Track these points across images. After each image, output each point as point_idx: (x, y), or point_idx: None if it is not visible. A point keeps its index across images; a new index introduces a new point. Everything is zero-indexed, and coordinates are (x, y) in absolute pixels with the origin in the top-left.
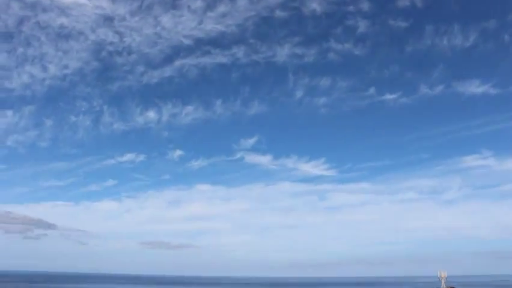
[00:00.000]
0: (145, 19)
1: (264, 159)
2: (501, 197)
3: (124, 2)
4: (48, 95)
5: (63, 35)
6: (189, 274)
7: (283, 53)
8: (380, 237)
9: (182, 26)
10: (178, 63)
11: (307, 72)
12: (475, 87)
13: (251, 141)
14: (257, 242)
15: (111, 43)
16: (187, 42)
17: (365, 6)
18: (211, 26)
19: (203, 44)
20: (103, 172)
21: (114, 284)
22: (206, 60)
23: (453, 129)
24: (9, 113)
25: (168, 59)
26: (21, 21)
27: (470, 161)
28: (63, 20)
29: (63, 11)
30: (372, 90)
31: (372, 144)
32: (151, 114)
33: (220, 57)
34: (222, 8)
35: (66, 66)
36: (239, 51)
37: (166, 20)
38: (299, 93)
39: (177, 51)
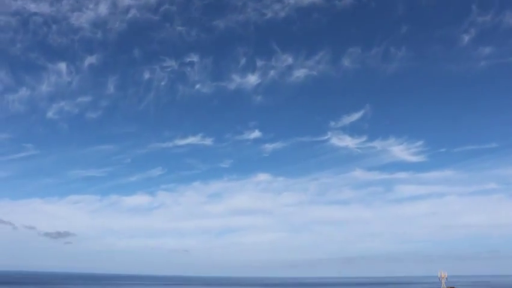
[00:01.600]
0: None
1: (352, 142)
2: None
3: None
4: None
5: None
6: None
7: None
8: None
9: None
10: None
11: None
12: None
13: (349, 119)
14: (292, 240)
15: None
16: None
17: None
18: None
19: None
20: (148, 159)
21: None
22: None
23: None
24: (63, 66)
25: None
26: None
27: None
28: None
29: None
30: None
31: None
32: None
33: None
34: None
35: None
36: None
37: None
38: None
39: None
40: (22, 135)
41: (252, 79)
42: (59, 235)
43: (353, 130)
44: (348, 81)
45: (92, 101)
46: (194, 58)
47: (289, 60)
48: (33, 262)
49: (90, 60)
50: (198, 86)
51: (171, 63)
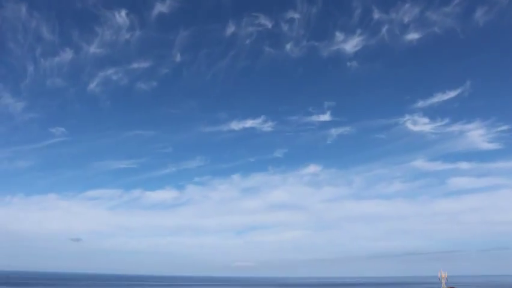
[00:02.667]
0: None
1: (429, 125)
2: None
3: None
4: None
5: None
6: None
7: None
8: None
9: None
10: None
11: None
12: None
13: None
14: (316, 238)
15: None
16: None
17: None
18: None
19: None
20: (188, 147)
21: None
22: None
23: None
24: (122, 16)
25: None
26: None
27: None
28: None
29: None
30: None
31: None
32: None
33: None
34: None
35: None
36: None
37: None
38: None
39: None
40: (53, 117)
41: (355, 41)
42: (68, 234)
43: (436, 111)
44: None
45: (149, 68)
46: (292, 14)
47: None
48: (39, 263)
49: (159, 8)
50: (288, 47)
51: (263, 18)
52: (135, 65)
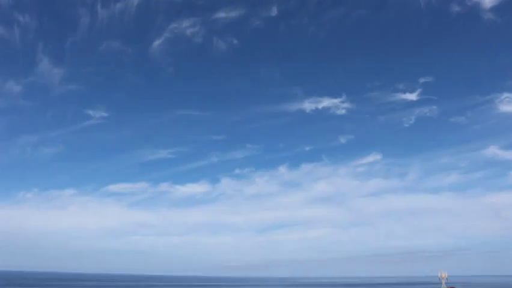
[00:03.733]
0: None
1: None
2: None
3: None
4: None
5: None
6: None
7: None
8: None
9: None
10: None
11: None
12: None
13: None
14: (343, 235)
15: None
16: None
17: None
18: None
19: None
20: (239, 132)
21: None
22: None
23: None
24: None
25: None
26: None
27: None
28: None
29: None
30: None
31: None
32: None
33: None
34: None
35: None
36: None
37: None
38: None
39: None
40: (96, 89)
41: None
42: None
43: None
44: None
45: (237, 19)
46: None
47: None
48: (45, 263)
49: None
50: None
51: None
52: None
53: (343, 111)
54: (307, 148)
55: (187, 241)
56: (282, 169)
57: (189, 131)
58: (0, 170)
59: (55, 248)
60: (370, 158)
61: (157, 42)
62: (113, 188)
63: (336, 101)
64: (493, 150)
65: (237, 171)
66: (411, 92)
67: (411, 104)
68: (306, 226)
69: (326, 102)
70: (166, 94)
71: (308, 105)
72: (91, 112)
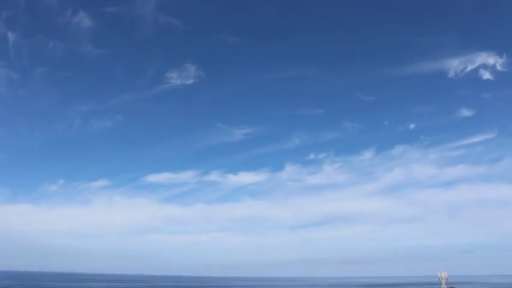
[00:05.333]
0: None
1: None
2: None
3: None
4: None
5: None
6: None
7: None
8: None
9: None
10: None
11: None
12: None
13: None
14: (391, 230)
15: None
16: None
17: None
18: None
19: None
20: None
21: None
22: None
23: None
24: None
25: None
26: None
27: None
28: None
29: None
30: None
31: None
32: None
33: None
34: None
35: None
36: None
37: None
38: None
39: None
40: (185, 40)
41: None
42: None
43: None
44: None
45: None
46: None
47: None
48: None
49: None
50: None
51: None
52: None
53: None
54: (400, 128)
55: (216, 239)
56: (367, 153)
57: (277, 101)
58: (21, 159)
59: (73, 248)
60: (478, 138)
61: None
62: (152, 178)
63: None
64: None
65: (311, 156)
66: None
67: None
68: (355, 221)
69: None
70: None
71: (427, 65)
72: (171, 75)
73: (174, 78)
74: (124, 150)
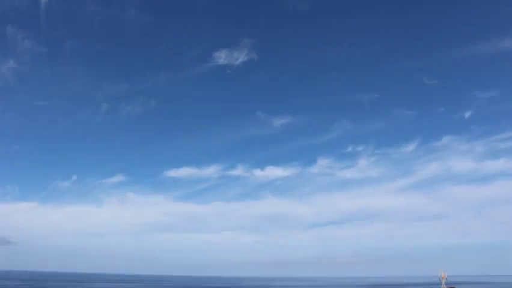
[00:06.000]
0: None
1: None
2: None
3: None
4: None
5: None
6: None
7: None
8: None
9: None
10: None
11: None
12: None
13: None
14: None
15: None
16: None
17: None
18: None
19: None
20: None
21: None
22: None
23: None
24: None
25: None
26: None
27: None
28: None
29: None
30: None
31: None
32: None
33: None
34: None
35: None
36: None
37: None
38: None
39: None
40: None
41: None
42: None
43: None
44: None
45: None
46: None
47: None
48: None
49: None
50: None
51: None
52: None
53: None
54: (466, 114)
55: (229, 238)
56: (410, 146)
57: (326, 86)
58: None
59: (83, 248)
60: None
61: None
62: (172, 173)
63: None
64: None
65: (349, 148)
66: None
67: None
68: (378, 219)
69: None
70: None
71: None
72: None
73: (222, 58)
74: (147, 142)
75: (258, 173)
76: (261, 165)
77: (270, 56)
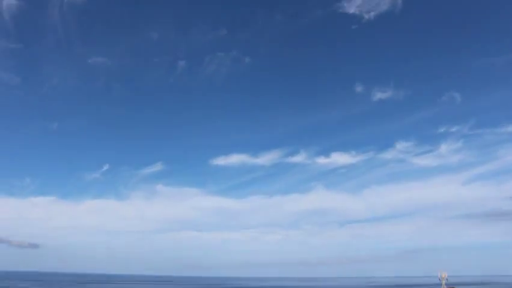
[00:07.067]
0: None
1: None
2: None
3: None
4: None
5: None
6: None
7: None
8: None
9: None
10: None
11: None
12: None
13: None
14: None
15: None
16: None
17: None
18: None
19: None
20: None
21: None
22: None
23: None
24: None
25: None
26: None
27: None
28: None
29: None
30: None
31: None
32: None
33: None
34: None
35: None
36: None
37: None
38: None
39: None
40: None
41: None
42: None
43: None
44: None
45: None
46: None
47: None
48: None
49: None
50: None
51: None
52: None
53: None
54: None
55: (255, 237)
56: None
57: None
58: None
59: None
60: None
61: None
62: (220, 161)
63: None
64: None
65: (440, 129)
66: None
67: None
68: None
69: None
70: None
71: None
72: None
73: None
74: (202, 120)
75: (320, 160)
76: (328, 151)
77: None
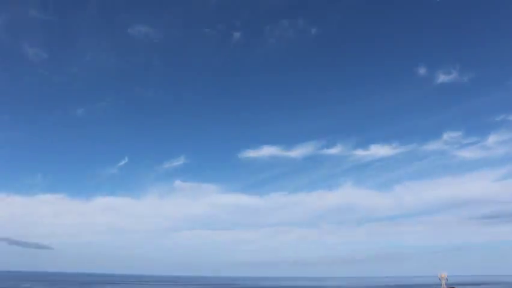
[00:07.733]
0: None
1: None
2: None
3: None
4: None
5: None
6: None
7: None
8: None
9: None
10: None
11: None
12: None
13: None
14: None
15: None
16: None
17: None
18: None
19: None
20: None
21: None
22: None
23: None
24: None
25: None
26: None
27: None
28: None
29: None
30: None
31: None
32: None
33: None
34: None
35: None
36: None
37: None
38: None
39: None
40: None
41: None
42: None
43: None
44: None
45: None
46: None
47: None
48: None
49: None
50: None
51: None
52: None
53: None
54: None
55: (271, 236)
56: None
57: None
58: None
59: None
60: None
61: None
62: (251, 154)
63: None
64: None
65: (497, 117)
66: None
67: None
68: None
69: None
70: None
71: None
72: None
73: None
74: (244, 107)
75: (358, 152)
76: (367, 142)
77: None
